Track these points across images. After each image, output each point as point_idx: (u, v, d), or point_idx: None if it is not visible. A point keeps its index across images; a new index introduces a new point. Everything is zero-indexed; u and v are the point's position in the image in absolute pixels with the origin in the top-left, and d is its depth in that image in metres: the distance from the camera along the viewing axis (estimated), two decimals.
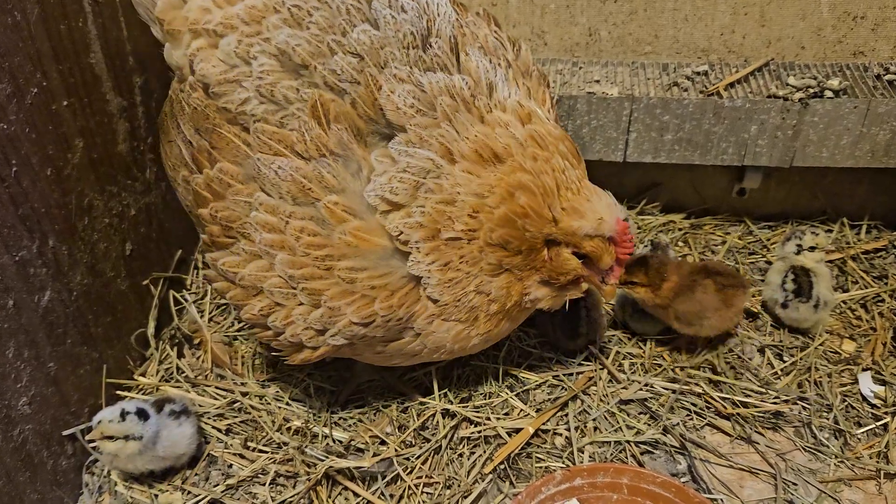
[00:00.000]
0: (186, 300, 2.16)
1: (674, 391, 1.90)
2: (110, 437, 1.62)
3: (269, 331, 1.56)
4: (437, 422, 1.84)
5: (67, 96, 1.64)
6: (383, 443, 1.82)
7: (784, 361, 2.02)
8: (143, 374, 1.99)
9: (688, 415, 1.88)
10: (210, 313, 2.19)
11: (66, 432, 1.71)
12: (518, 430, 1.81)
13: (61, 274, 1.66)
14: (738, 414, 1.85)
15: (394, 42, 1.46)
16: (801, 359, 2.02)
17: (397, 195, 1.43)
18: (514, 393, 1.92)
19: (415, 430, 1.83)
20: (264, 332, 1.57)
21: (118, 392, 1.90)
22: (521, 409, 1.88)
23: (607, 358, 2.01)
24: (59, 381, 1.68)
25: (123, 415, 1.66)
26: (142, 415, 1.68)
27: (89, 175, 1.74)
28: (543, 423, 1.84)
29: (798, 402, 1.87)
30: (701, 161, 2.22)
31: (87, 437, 1.69)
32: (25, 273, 1.56)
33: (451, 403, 1.88)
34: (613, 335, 2.11)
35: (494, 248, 1.51)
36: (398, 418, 1.87)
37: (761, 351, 2.05)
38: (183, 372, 2.02)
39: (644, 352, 2.05)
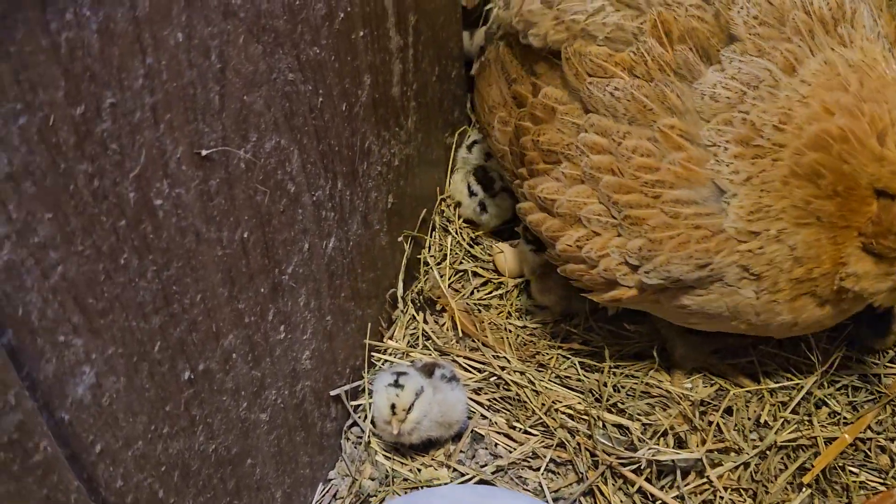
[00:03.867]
0: (428, 263, 2.01)
1: None
2: (406, 410, 1.49)
3: (581, 264, 1.46)
4: (764, 420, 1.61)
5: (363, 26, 1.50)
6: (678, 438, 1.60)
7: None
8: (391, 337, 1.85)
9: None
10: (450, 279, 2.03)
11: (333, 392, 1.59)
12: (832, 439, 1.56)
13: (343, 221, 1.53)
14: None
15: None
16: None
17: (717, 101, 1.31)
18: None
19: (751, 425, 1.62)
20: (576, 266, 1.47)
21: (373, 354, 1.76)
22: (832, 411, 1.62)
23: None
24: (333, 337, 1.55)
25: (397, 383, 1.52)
26: (414, 381, 1.54)
27: (371, 116, 1.60)
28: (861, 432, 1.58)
29: None
30: None
31: (392, 426, 1.54)
32: (319, 216, 1.42)
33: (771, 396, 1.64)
34: None
35: (802, 180, 1.28)
36: (697, 411, 1.64)
37: None
38: (429, 338, 1.87)
39: None
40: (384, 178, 1.71)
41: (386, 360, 1.78)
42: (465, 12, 2.14)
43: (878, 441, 1.58)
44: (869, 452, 1.57)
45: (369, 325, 1.73)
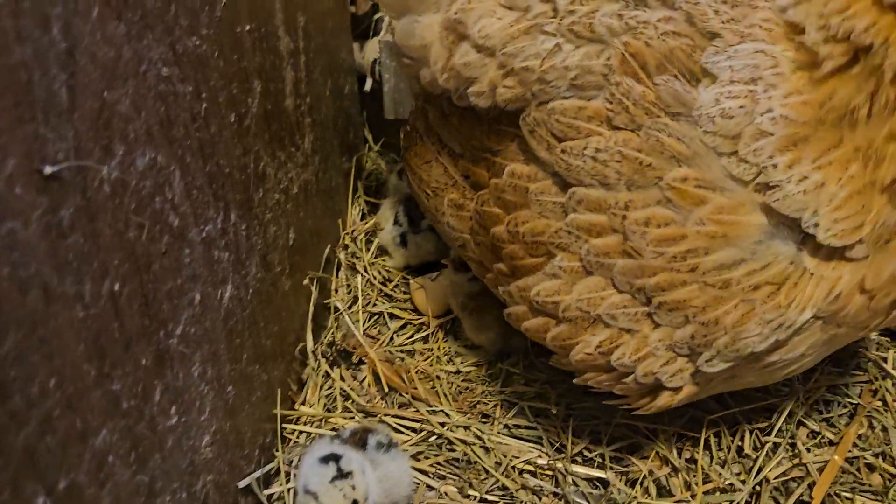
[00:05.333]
0: (338, 308, 1.71)
1: None
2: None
3: (608, 373, 1.17)
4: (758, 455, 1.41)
5: (250, 19, 1.21)
6: (660, 484, 1.38)
7: None
8: (303, 403, 1.52)
9: None
10: (364, 325, 1.73)
11: (241, 483, 1.24)
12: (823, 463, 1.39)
13: (240, 263, 1.21)
14: None
15: None
16: None
17: (732, 117, 1.01)
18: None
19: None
20: (600, 376, 1.19)
21: (284, 426, 1.43)
22: (812, 431, 1.46)
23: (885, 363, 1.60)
24: (237, 412, 1.21)
25: (341, 473, 1.21)
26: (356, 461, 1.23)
27: (264, 132, 1.30)
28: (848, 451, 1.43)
29: None
30: None
31: None
32: (211, 257, 1.10)
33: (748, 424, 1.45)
34: (871, 339, 1.71)
35: None
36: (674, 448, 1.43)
37: None
38: (348, 397, 1.56)
39: None
40: (283, 209, 1.40)
41: (301, 432, 1.45)
42: (354, 20, 1.89)
43: (865, 458, 1.43)
44: (858, 473, 1.41)
45: (278, 390, 1.40)
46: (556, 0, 1.13)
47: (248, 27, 1.20)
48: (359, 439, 1.30)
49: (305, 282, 1.55)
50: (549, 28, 1.13)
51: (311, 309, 1.58)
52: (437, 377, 1.63)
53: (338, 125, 1.76)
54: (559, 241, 1.15)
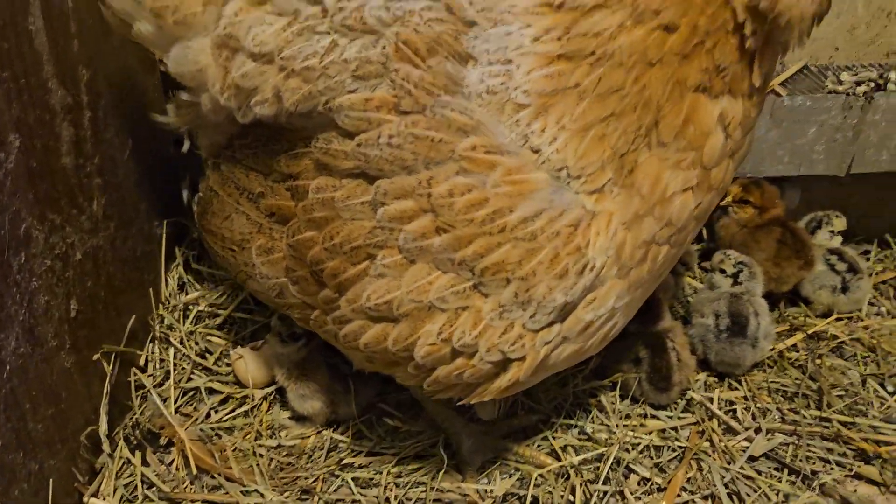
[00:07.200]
0: (145, 385, 1.55)
1: (799, 436, 1.53)
2: None
3: (457, 360, 1.16)
4: None
5: (2, 67, 1.10)
6: None
7: (889, 391, 1.71)
8: (95, 494, 1.35)
9: (826, 466, 1.50)
10: (176, 402, 1.58)
11: None
12: None
13: None
14: (879, 455, 1.50)
15: None
16: None
17: (496, 93, 1.10)
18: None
19: None
20: (450, 367, 1.17)
21: None
22: (642, 478, 1.43)
23: (711, 404, 1.61)
24: None
25: None
26: None
27: (27, 191, 1.17)
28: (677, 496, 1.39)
29: None
30: (753, 173, 1.95)
31: None
32: None
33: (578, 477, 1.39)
34: (697, 380, 1.72)
35: (657, 33, 1.05)
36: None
37: (862, 381, 1.73)
38: (152, 485, 1.40)
39: (745, 395, 1.67)
40: (59, 277, 1.27)
41: None
42: (166, 78, 1.79)
43: (695, 501, 1.40)
44: None
45: (51, 481, 1.22)
46: (324, 1, 1.15)
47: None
48: None
49: (97, 357, 1.39)
50: (322, 28, 1.16)
51: (108, 388, 1.42)
52: (258, 453, 1.50)
53: (144, 188, 1.64)
54: (375, 239, 1.15)
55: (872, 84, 1.89)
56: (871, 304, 1.97)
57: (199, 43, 1.27)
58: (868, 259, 2.12)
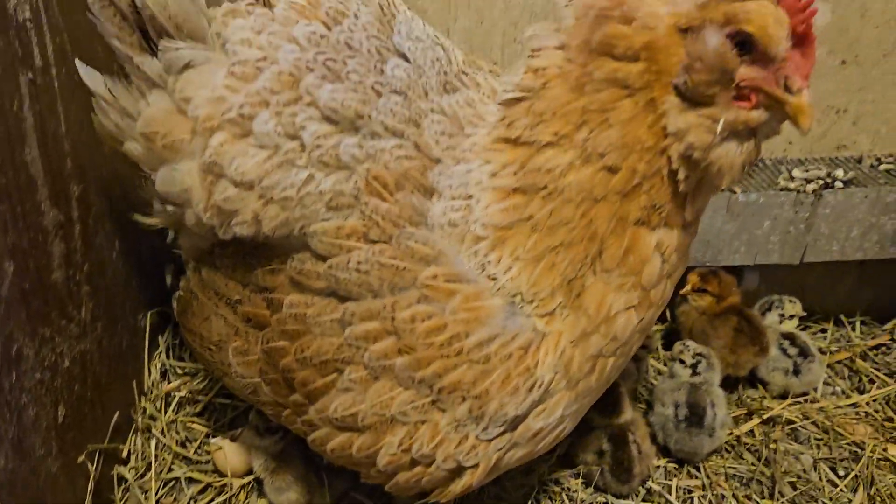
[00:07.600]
0: (127, 479, 1.61)
1: None
2: None
3: (416, 468, 1.26)
4: None
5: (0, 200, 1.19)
6: None
7: (840, 475, 1.80)
8: None
9: None
10: (157, 493, 1.64)
11: None
12: None
13: None
14: None
15: (429, 72, 1.30)
16: (858, 471, 1.81)
17: (457, 225, 1.22)
18: None
19: None
20: (410, 473, 1.27)
21: None
22: None
23: (670, 493, 1.69)
24: None
25: None
26: None
27: (20, 312, 1.25)
28: None
29: None
30: (712, 262, 2.05)
31: None
32: None
33: None
34: (658, 466, 1.80)
35: (596, 57, 1.11)
36: None
37: (814, 465, 1.82)
38: None
39: (702, 483, 1.75)
40: (48, 388, 1.34)
41: None
42: None
43: None
44: None
45: None
46: (303, 137, 1.23)
47: None
48: None
49: (81, 459, 1.46)
50: (300, 162, 1.24)
51: (91, 486, 1.49)
52: None
53: (131, 284, 1.72)
54: (343, 355, 1.24)
55: (821, 181, 2.01)
56: (826, 383, 2.07)
57: (186, 166, 1.33)
58: (826, 338, 2.23)
